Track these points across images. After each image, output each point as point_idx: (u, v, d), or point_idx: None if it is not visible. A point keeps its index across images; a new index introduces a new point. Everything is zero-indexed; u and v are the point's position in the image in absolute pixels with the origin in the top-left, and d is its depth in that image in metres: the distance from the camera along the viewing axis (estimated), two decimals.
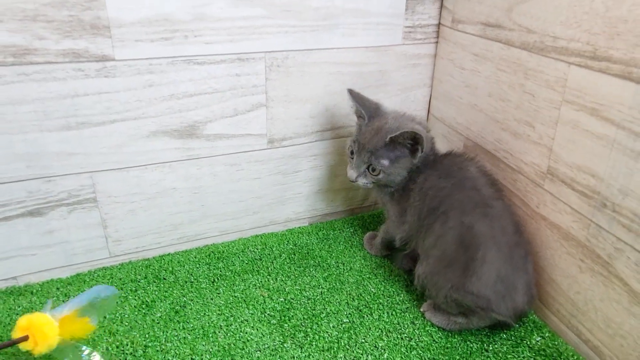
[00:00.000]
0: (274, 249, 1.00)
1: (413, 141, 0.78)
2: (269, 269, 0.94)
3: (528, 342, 0.77)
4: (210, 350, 0.75)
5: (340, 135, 1.02)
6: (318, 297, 0.87)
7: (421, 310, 0.83)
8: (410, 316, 0.83)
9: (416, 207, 0.80)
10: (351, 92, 0.86)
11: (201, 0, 0.79)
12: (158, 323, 0.80)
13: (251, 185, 0.98)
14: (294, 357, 0.74)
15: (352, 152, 0.84)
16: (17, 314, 0.81)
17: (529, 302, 0.75)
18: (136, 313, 0.82)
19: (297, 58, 0.91)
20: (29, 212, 0.83)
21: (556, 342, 0.77)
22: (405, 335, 0.79)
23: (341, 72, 0.96)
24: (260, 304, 0.84)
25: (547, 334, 0.78)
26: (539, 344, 0.77)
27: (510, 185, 0.83)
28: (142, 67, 0.80)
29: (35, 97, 0.75)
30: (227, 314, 0.82)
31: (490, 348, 0.76)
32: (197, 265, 0.94)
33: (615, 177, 0.62)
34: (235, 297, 0.86)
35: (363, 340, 0.77)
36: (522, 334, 0.79)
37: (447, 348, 0.77)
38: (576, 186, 0.69)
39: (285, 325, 0.80)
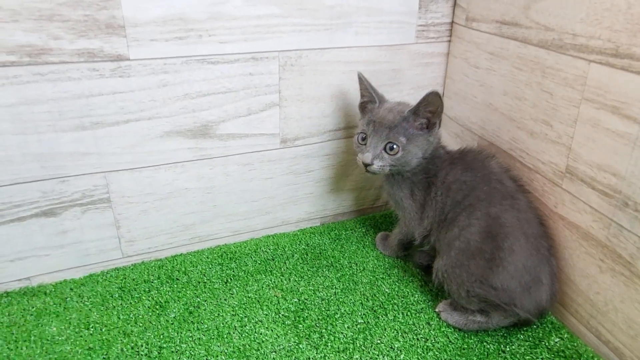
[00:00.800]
0: (286, 249, 0.99)
1: (431, 113, 0.78)
2: (282, 269, 0.93)
3: (546, 343, 0.76)
4: (226, 351, 0.74)
5: (353, 135, 1.01)
6: (332, 297, 0.86)
7: (437, 310, 0.82)
8: (426, 317, 0.82)
9: (439, 201, 0.80)
10: (362, 76, 0.85)
11: None
12: (172, 324, 0.79)
13: (264, 185, 0.98)
14: (309, 358, 0.73)
15: (363, 138, 0.83)
16: (32, 315, 0.80)
17: (552, 298, 0.75)
18: (150, 314, 0.81)
19: (310, 57, 0.90)
20: (42, 213, 0.82)
21: (575, 344, 0.76)
22: (421, 336, 0.78)
23: (354, 71, 0.95)
24: (274, 305, 0.84)
25: (565, 335, 0.77)
26: (558, 345, 0.76)
27: (527, 185, 0.82)
28: (156, 67, 0.80)
29: (50, 97, 0.75)
30: (241, 315, 0.81)
31: (508, 349, 0.76)
32: (210, 266, 0.93)
33: (638, 175, 0.61)
34: (249, 297, 0.85)
35: (379, 341, 0.77)
36: (540, 335, 0.78)
37: (464, 349, 0.76)
38: (596, 185, 0.68)
39: (300, 325, 0.79)
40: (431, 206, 0.81)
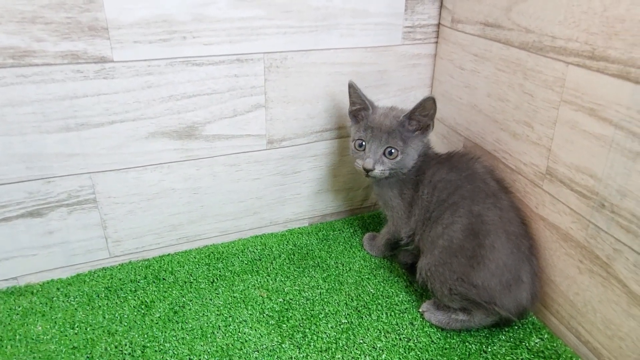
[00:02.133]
0: (273, 250, 1.00)
1: (425, 117, 0.81)
2: (268, 269, 0.94)
3: (527, 344, 0.77)
4: (209, 350, 0.75)
5: (340, 136, 1.02)
6: (317, 297, 0.87)
7: (420, 310, 0.82)
8: (409, 317, 0.82)
9: (425, 199, 0.82)
10: (354, 84, 0.85)
11: (200, 0, 0.79)
12: (157, 323, 0.80)
13: (251, 186, 0.99)
14: (292, 358, 0.74)
15: (360, 145, 0.84)
16: (18, 314, 0.81)
17: (532, 297, 0.75)
18: (135, 313, 0.82)
19: (295, 59, 0.91)
20: (29, 213, 0.83)
21: (555, 344, 0.76)
22: (404, 336, 0.79)
23: (340, 73, 0.96)
24: (259, 305, 0.84)
25: (546, 336, 0.78)
26: (538, 345, 0.76)
27: (510, 185, 0.82)
28: (140, 69, 0.80)
29: (34, 99, 0.76)
30: (225, 315, 0.82)
31: (489, 349, 0.76)
32: (197, 266, 0.94)
33: (614, 177, 0.61)
34: (234, 297, 0.86)
35: (361, 341, 0.77)
36: (521, 335, 0.78)
37: (446, 349, 0.76)
38: (575, 187, 0.68)
39: (284, 325, 0.80)
40: (418, 204, 0.83)
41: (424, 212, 0.82)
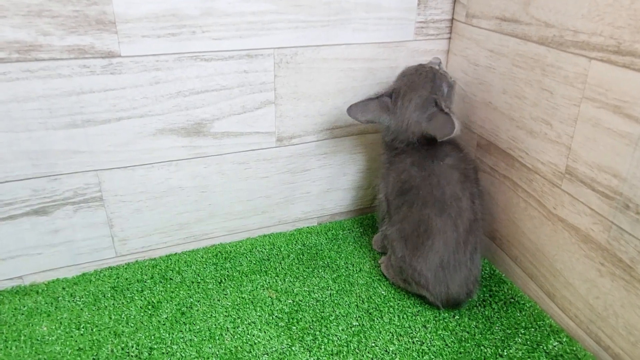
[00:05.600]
0: (282, 249, 0.98)
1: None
2: (277, 269, 0.92)
3: (544, 347, 0.74)
4: (217, 353, 0.73)
5: (351, 133, 1.00)
6: (327, 299, 0.85)
7: (379, 262, 0.93)
8: (422, 319, 0.80)
9: (392, 184, 0.84)
10: (353, 111, 0.85)
11: None
12: (164, 324, 0.78)
13: (259, 184, 0.97)
14: None
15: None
16: (23, 314, 0.80)
17: (465, 295, 0.80)
18: (142, 314, 0.80)
19: (306, 54, 0.89)
20: (34, 211, 0.82)
21: (574, 348, 0.74)
22: (417, 339, 0.77)
23: (352, 69, 0.93)
24: (268, 306, 0.82)
25: (564, 339, 0.76)
26: (557, 349, 0.74)
27: (526, 185, 0.80)
28: (148, 64, 0.78)
29: (40, 94, 0.74)
30: (234, 316, 0.80)
31: (505, 353, 0.74)
32: (204, 266, 0.92)
33: (639, 177, 0.59)
34: (243, 298, 0.84)
35: (373, 344, 0.75)
36: (539, 338, 0.76)
37: (460, 353, 0.74)
38: (597, 187, 0.66)
39: (294, 327, 0.78)
40: (388, 187, 0.85)
41: (390, 197, 0.85)
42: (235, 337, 0.76)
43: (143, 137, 0.83)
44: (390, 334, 0.77)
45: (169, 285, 0.87)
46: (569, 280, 0.73)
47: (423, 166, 0.80)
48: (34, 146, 0.77)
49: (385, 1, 0.90)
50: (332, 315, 0.81)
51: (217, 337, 0.76)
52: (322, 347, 0.75)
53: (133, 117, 0.81)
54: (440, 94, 0.80)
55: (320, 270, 0.92)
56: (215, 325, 0.78)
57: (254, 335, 0.76)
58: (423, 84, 0.81)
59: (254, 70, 0.86)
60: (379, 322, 0.80)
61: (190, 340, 0.75)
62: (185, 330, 0.77)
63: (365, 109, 0.84)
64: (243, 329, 0.78)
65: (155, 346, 0.74)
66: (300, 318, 0.80)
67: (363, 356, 0.73)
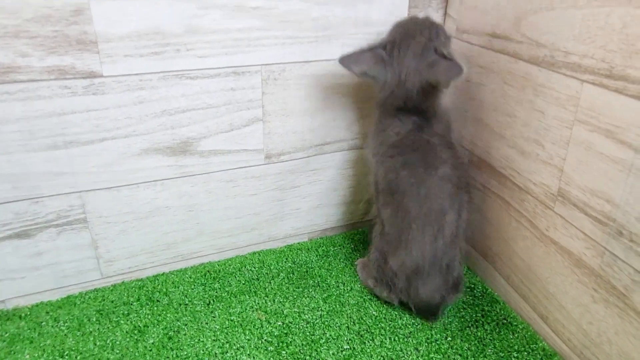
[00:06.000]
0: (272, 268, 0.96)
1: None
2: (267, 289, 0.90)
3: None
4: None
5: (341, 149, 0.98)
6: (317, 320, 0.83)
7: (355, 262, 0.95)
8: (414, 342, 0.79)
9: (381, 177, 0.81)
10: (345, 61, 0.78)
11: (194, 11, 0.76)
12: (150, 350, 0.76)
13: (248, 202, 0.95)
14: None
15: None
16: (4, 341, 0.77)
17: (436, 304, 0.80)
18: (128, 339, 0.78)
19: (294, 70, 0.87)
20: (16, 234, 0.79)
21: None
22: None
23: (341, 84, 0.92)
24: (257, 329, 0.81)
25: None
26: None
27: (518, 205, 0.79)
28: (132, 83, 0.76)
29: (20, 117, 0.72)
30: (222, 340, 0.78)
31: None
32: (192, 286, 0.90)
33: (633, 204, 0.58)
34: (232, 320, 0.82)
35: None
36: None
37: None
38: (589, 211, 0.65)
39: (283, 352, 0.77)
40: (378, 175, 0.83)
41: (375, 188, 0.84)
42: None
43: (127, 157, 0.81)
44: (382, 358, 0.76)
45: (155, 308, 0.85)
46: (562, 303, 0.72)
47: (414, 172, 0.76)
48: (14, 169, 0.75)
49: (375, 15, 0.88)
50: (322, 339, 0.79)
51: None
52: None
53: (117, 137, 0.79)
54: (438, 42, 0.75)
55: (310, 290, 0.90)
56: (203, 350, 0.77)
57: None
58: (420, 31, 0.75)
59: (241, 87, 0.84)
60: (370, 345, 0.78)
61: None
62: (173, 356, 0.75)
63: (358, 59, 0.77)
64: (232, 354, 0.76)
65: None
66: (290, 342, 0.78)
67: None
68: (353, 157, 1.00)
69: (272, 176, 0.94)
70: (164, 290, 0.89)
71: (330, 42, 0.87)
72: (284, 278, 0.93)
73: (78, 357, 0.75)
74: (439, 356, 0.76)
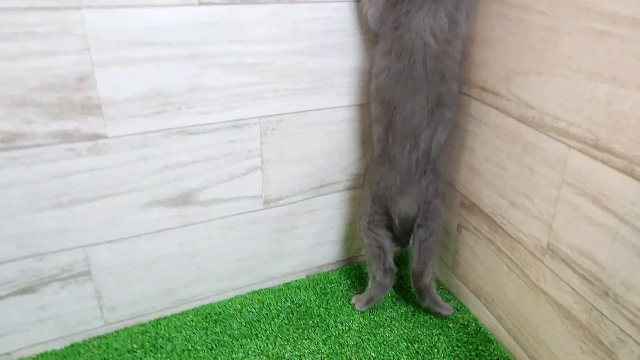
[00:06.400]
0: (271, 308, 0.98)
1: None
2: (268, 332, 0.93)
3: None
4: None
5: (337, 190, 1.01)
6: None
7: (351, 302, 1.01)
8: None
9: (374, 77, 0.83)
10: None
11: (195, 71, 0.77)
12: None
13: (248, 245, 0.97)
14: None
15: None
16: None
17: (416, 209, 0.86)
18: None
19: (292, 120, 0.89)
20: (20, 291, 0.81)
21: None
22: None
23: (336, 130, 0.95)
24: None
25: None
26: None
27: (509, 252, 0.83)
28: (135, 142, 0.78)
29: (25, 180, 0.73)
30: None
31: None
32: (194, 330, 0.92)
33: (618, 269, 0.62)
34: None
35: None
36: None
37: None
38: (577, 269, 0.68)
39: None
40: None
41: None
42: None
43: (130, 211, 0.83)
44: None
45: (159, 355, 0.87)
46: (552, 350, 0.76)
47: (404, 85, 0.78)
48: (20, 229, 0.76)
49: (366, 64, 0.91)
50: None
51: None
52: None
53: (120, 193, 0.81)
54: None
55: (310, 331, 0.93)
56: None
57: None
58: None
59: (240, 139, 0.86)
60: None
61: None
62: None
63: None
64: None
65: None
66: None
67: None
68: (349, 197, 1.03)
69: (270, 220, 0.97)
70: (167, 335, 0.91)
71: (325, 91, 0.90)
72: (283, 319, 0.96)
73: None
74: None
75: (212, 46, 0.77)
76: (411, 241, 0.89)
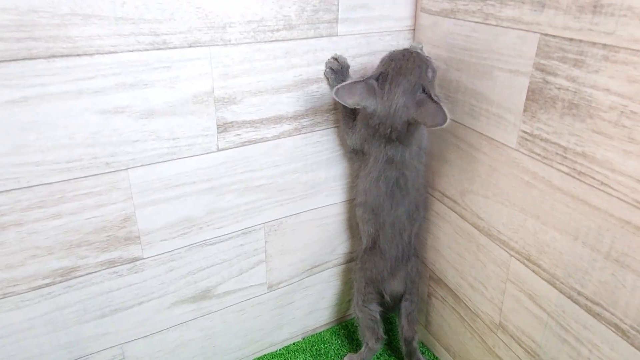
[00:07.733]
0: None
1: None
2: None
3: None
4: None
5: (327, 268, 1.20)
6: None
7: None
8: None
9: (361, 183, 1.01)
10: (340, 93, 0.85)
11: (213, 199, 0.94)
12: None
13: (254, 322, 1.15)
14: None
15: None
16: None
17: (403, 287, 1.08)
18: None
19: (289, 221, 1.08)
20: None
21: None
22: None
23: (326, 223, 1.14)
24: None
25: None
26: None
27: (470, 322, 1.04)
28: (165, 258, 0.94)
29: (77, 301, 0.88)
30: None
31: None
32: None
33: (549, 349, 0.84)
34: None
35: None
36: None
37: None
38: (522, 344, 0.90)
39: None
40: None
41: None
42: None
43: (160, 312, 0.99)
44: None
45: None
46: None
47: (390, 199, 0.96)
48: (70, 338, 0.91)
49: (349, 170, 1.10)
50: None
51: None
52: None
53: (152, 299, 0.97)
54: (426, 81, 0.83)
55: None
56: None
57: None
58: (411, 69, 0.82)
59: (248, 242, 1.04)
60: None
61: None
62: None
63: (351, 91, 0.84)
64: None
65: None
66: None
67: None
68: (337, 272, 1.22)
69: (273, 300, 1.15)
70: None
71: (316, 195, 1.09)
72: None
73: None
74: None
75: (227, 178, 0.94)
76: (400, 312, 1.09)
